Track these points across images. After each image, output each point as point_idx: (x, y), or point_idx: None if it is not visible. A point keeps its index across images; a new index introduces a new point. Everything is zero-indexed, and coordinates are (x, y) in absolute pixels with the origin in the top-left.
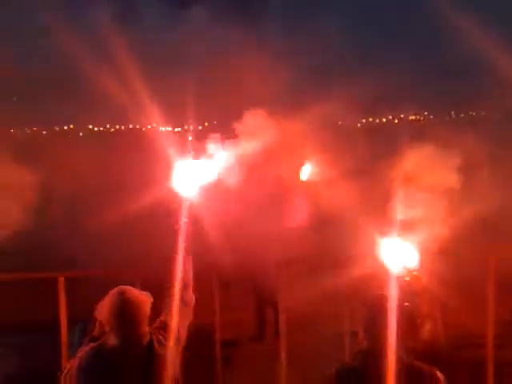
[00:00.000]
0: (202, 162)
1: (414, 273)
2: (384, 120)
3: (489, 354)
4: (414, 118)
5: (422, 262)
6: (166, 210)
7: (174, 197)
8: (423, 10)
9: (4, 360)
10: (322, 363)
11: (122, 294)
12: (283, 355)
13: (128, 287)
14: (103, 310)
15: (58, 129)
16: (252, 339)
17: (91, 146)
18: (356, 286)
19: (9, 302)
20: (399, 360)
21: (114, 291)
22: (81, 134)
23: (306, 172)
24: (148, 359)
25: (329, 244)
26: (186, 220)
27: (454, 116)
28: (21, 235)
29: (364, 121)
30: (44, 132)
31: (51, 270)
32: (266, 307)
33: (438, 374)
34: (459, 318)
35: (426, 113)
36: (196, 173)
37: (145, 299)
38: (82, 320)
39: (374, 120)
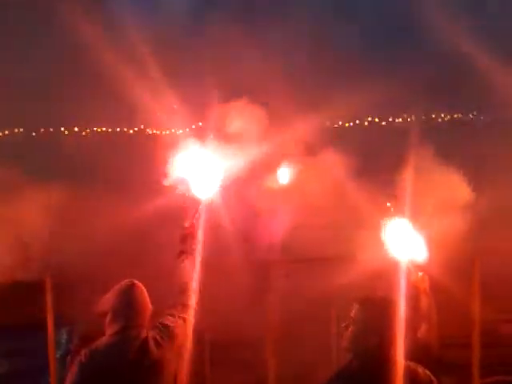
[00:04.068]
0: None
1: (420, 273)
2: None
3: (474, 355)
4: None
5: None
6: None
7: (180, 198)
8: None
9: None
10: (309, 365)
11: (133, 286)
12: (271, 355)
13: (138, 282)
14: (110, 298)
15: (63, 129)
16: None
17: (97, 147)
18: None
19: None
20: (397, 362)
21: (125, 282)
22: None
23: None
24: (141, 356)
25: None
26: (194, 221)
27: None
28: None
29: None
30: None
31: (38, 272)
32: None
33: (433, 377)
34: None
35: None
36: (207, 172)
37: (148, 299)
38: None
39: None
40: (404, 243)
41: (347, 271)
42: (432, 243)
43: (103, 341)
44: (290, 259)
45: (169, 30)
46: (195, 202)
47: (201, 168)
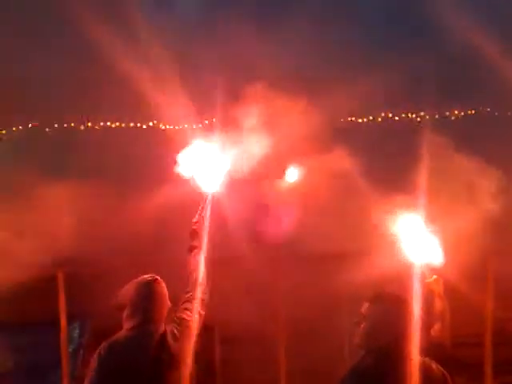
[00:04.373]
0: (219, 155)
1: (434, 277)
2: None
3: (487, 354)
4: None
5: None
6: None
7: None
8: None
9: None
10: (321, 361)
11: (154, 280)
12: (282, 353)
13: (159, 278)
14: (129, 292)
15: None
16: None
17: (108, 143)
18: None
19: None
20: (411, 358)
21: (146, 277)
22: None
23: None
24: (159, 350)
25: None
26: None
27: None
28: None
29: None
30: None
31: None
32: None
33: (446, 373)
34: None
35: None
36: (213, 167)
37: (167, 295)
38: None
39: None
40: (419, 246)
41: (359, 269)
42: (446, 245)
43: (122, 335)
44: (301, 256)
45: (181, 22)
46: (201, 197)
47: (206, 162)
